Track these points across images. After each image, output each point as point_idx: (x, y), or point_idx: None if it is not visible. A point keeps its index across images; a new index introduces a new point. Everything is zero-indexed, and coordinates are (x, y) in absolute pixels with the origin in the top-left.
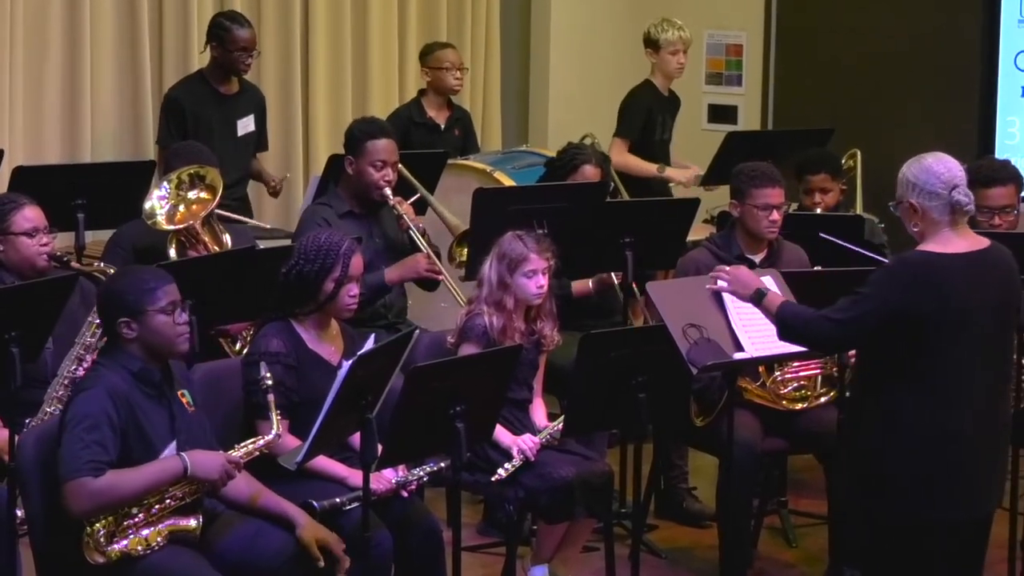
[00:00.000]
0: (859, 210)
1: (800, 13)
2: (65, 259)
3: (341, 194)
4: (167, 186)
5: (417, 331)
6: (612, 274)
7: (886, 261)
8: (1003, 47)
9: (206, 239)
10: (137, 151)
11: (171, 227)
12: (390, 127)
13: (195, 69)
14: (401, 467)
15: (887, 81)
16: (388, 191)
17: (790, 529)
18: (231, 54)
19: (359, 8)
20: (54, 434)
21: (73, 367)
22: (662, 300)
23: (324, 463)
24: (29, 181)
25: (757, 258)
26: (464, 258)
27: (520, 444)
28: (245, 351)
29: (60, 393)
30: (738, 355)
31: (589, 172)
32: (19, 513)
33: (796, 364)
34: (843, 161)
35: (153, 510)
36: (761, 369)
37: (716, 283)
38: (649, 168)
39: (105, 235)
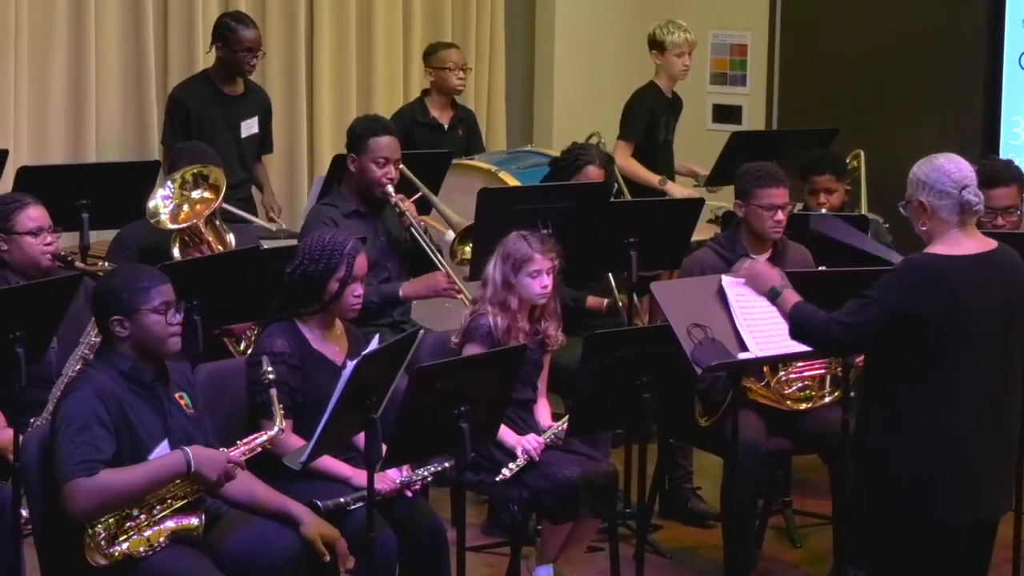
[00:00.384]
0: (864, 210)
1: (805, 13)
2: (69, 259)
3: (345, 193)
4: (171, 186)
5: (421, 331)
6: (619, 303)
7: (882, 249)
8: (1008, 47)
9: (209, 238)
10: (142, 151)
11: (175, 226)
12: (392, 125)
13: (200, 69)
14: (405, 467)
15: (892, 81)
16: (390, 188)
17: (794, 529)
18: (236, 54)
19: (364, 8)
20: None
21: (77, 367)
22: (667, 300)
23: (328, 463)
24: (33, 181)
25: (761, 258)
26: (467, 255)
27: (524, 444)
28: (249, 351)
29: None
30: (743, 355)
31: (593, 172)
32: (23, 513)
33: (801, 364)
34: (847, 161)
35: (155, 510)
36: (766, 369)
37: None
38: (651, 179)
39: (109, 235)
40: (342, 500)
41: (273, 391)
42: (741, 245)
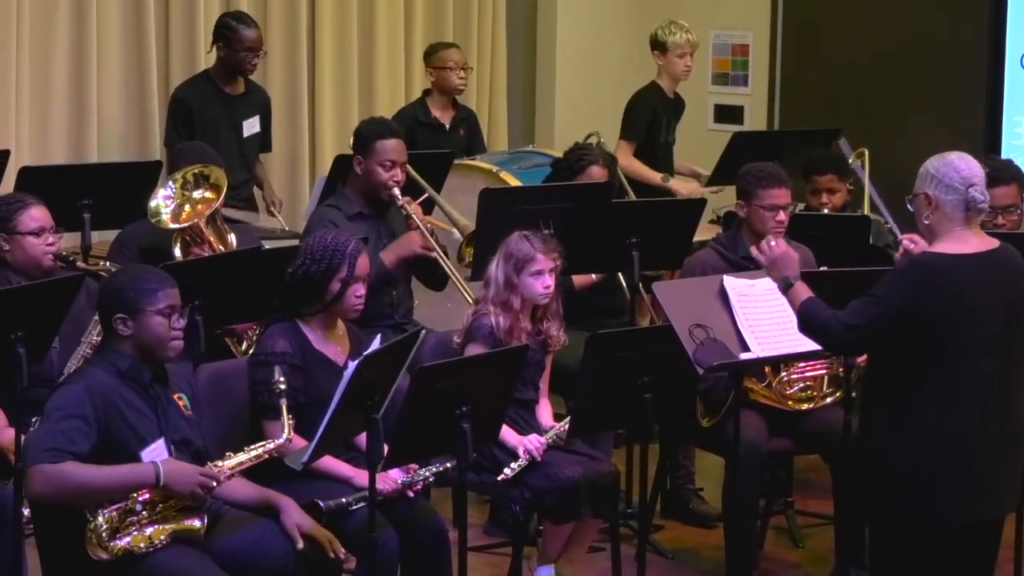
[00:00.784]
0: (866, 211)
1: (807, 13)
2: (71, 259)
3: (349, 195)
4: (172, 186)
5: (423, 331)
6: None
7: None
8: (1009, 46)
9: (211, 238)
10: (143, 151)
11: (176, 226)
12: (399, 127)
13: (201, 69)
14: (407, 467)
15: (894, 81)
16: (397, 191)
17: (796, 529)
18: (238, 54)
19: (365, 8)
20: None
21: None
22: (669, 300)
23: (330, 463)
24: (35, 181)
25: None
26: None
27: (526, 444)
28: (251, 351)
29: None
30: (744, 355)
31: (596, 172)
32: (25, 512)
33: (802, 364)
34: (850, 161)
35: (157, 508)
36: (767, 369)
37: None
38: (653, 177)
39: (111, 235)
40: (344, 500)
41: (283, 400)
42: (743, 245)
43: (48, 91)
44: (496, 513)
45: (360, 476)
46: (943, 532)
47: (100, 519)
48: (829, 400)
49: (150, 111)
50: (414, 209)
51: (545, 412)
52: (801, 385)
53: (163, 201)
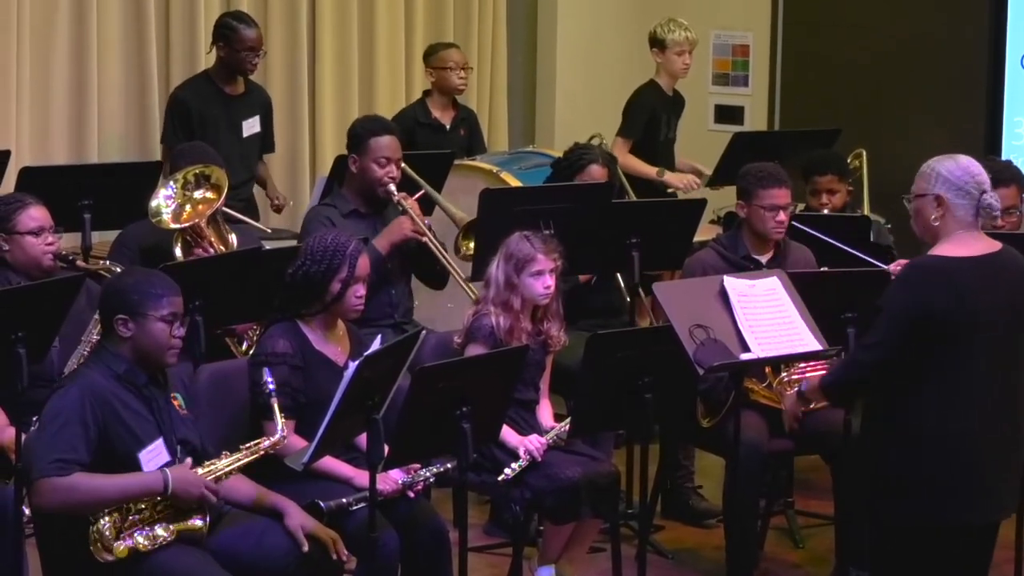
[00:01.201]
0: (866, 211)
1: (807, 13)
2: (71, 259)
3: (346, 194)
4: (173, 186)
5: (424, 331)
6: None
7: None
8: (1010, 47)
9: (211, 238)
10: (144, 152)
11: (176, 226)
12: (393, 124)
13: (202, 69)
14: (408, 467)
15: (894, 81)
16: (392, 187)
17: (796, 530)
18: (238, 54)
19: (366, 8)
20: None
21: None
22: (669, 301)
23: (330, 464)
24: (35, 181)
25: (764, 259)
26: (471, 251)
27: (527, 444)
28: (251, 351)
29: None
30: (745, 356)
31: (596, 172)
32: (25, 512)
33: (803, 365)
34: (849, 161)
35: (158, 507)
36: (768, 370)
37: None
38: (649, 171)
39: (111, 236)
40: (344, 501)
41: (274, 400)
42: (743, 246)
43: (48, 91)
44: (496, 513)
45: (360, 476)
46: (943, 532)
47: (102, 522)
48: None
49: (150, 111)
50: (410, 204)
51: (545, 412)
52: None
53: (164, 201)
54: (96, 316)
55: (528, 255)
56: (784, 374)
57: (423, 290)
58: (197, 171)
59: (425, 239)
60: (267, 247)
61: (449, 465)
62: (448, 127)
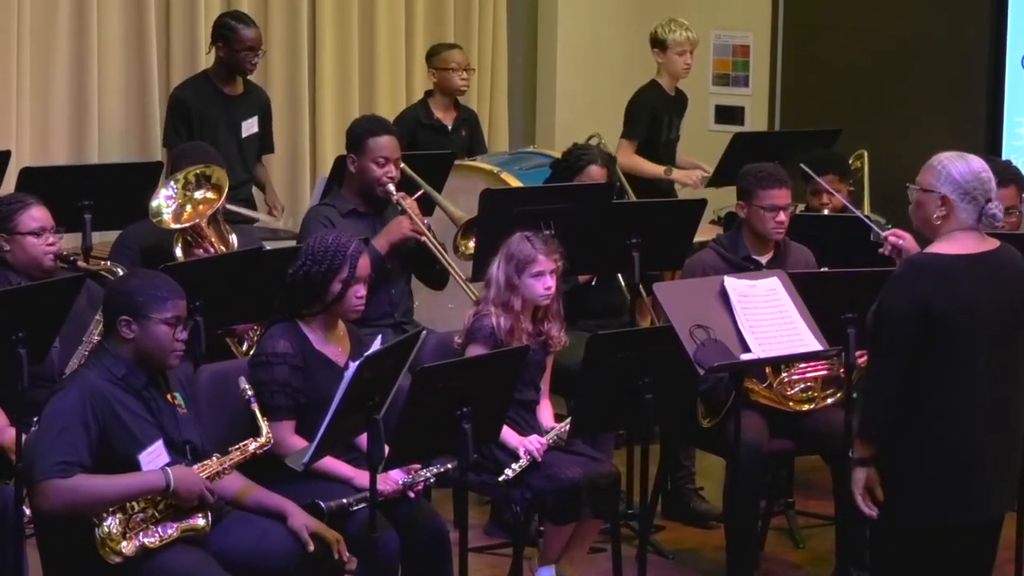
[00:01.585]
0: (867, 211)
1: (807, 14)
2: (72, 259)
3: (345, 194)
4: (174, 186)
5: (424, 332)
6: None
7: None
8: (1010, 47)
9: (212, 238)
10: (144, 152)
11: (177, 226)
12: (391, 124)
13: (201, 70)
14: (408, 468)
15: (894, 82)
16: (391, 187)
17: (797, 530)
18: (237, 54)
19: (366, 9)
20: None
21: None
22: (669, 301)
23: (331, 464)
24: (36, 182)
25: (764, 259)
26: (470, 250)
27: (527, 445)
28: (252, 351)
29: None
30: (745, 356)
31: (595, 172)
32: (26, 512)
33: (803, 365)
34: (850, 162)
35: (160, 506)
36: (768, 370)
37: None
38: (656, 170)
39: (112, 236)
40: (344, 501)
41: (255, 405)
42: (743, 246)
43: (49, 92)
44: (497, 514)
45: (361, 477)
46: (943, 532)
47: (108, 524)
48: (830, 401)
49: (151, 111)
50: (409, 204)
51: (546, 413)
52: (802, 386)
53: (164, 201)
54: (97, 317)
55: (529, 256)
56: (784, 374)
57: (423, 290)
58: (198, 171)
59: (424, 239)
60: (268, 247)
61: (449, 465)
62: (450, 128)
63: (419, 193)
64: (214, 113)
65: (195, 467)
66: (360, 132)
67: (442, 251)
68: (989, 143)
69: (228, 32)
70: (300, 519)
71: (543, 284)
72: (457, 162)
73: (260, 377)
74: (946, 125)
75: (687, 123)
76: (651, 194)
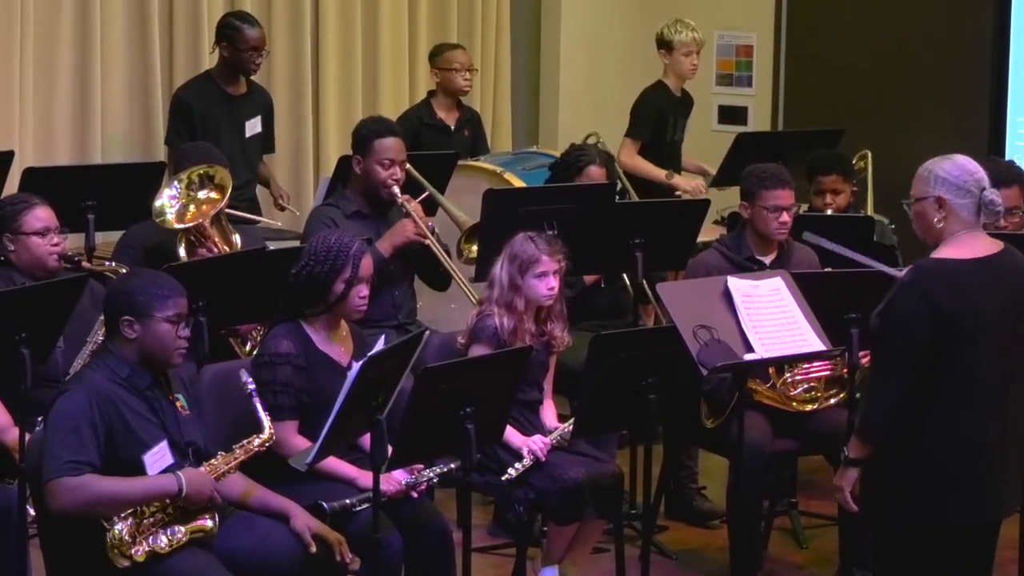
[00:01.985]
0: (870, 211)
1: (810, 14)
2: (76, 259)
3: (349, 195)
4: (178, 186)
5: (427, 332)
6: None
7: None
8: (1014, 47)
9: (215, 238)
10: (147, 152)
11: (180, 226)
12: (397, 126)
13: (204, 70)
14: (411, 468)
15: (897, 82)
16: (396, 189)
17: (800, 530)
18: (241, 54)
19: (369, 9)
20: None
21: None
22: (672, 301)
23: (334, 464)
24: (39, 182)
25: (767, 259)
26: (473, 254)
27: (530, 445)
28: (255, 352)
29: None
30: (748, 356)
31: (594, 173)
32: (30, 512)
33: (806, 365)
34: (853, 162)
35: (168, 509)
36: (771, 370)
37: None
38: (658, 174)
39: (115, 236)
40: (348, 501)
41: (256, 401)
42: (747, 246)
43: (52, 92)
44: (500, 514)
45: (364, 477)
46: (945, 533)
47: (118, 528)
48: (833, 401)
49: (154, 112)
50: (414, 207)
51: (549, 413)
52: (805, 386)
53: (168, 201)
54: (101, 317)
55: (532, 256)
56: (788, 375)
57: (427, 291)
58: (201, 171)
59: (428, 242)
60: (271, 247)
61: (453, 466)
62: (453, 128)
63: (423, 196)
64: (217, 113)
65: (203, 468)
66: (366, 133)
67: (445, 254)
68: (992, 143)
69: (232, 32)
70: (303, 520)
71: (546, 284)
72: (460, 162)
73: (263, 377)
74: (949, 125)
75: (690, 123)
76: (652, 193)
